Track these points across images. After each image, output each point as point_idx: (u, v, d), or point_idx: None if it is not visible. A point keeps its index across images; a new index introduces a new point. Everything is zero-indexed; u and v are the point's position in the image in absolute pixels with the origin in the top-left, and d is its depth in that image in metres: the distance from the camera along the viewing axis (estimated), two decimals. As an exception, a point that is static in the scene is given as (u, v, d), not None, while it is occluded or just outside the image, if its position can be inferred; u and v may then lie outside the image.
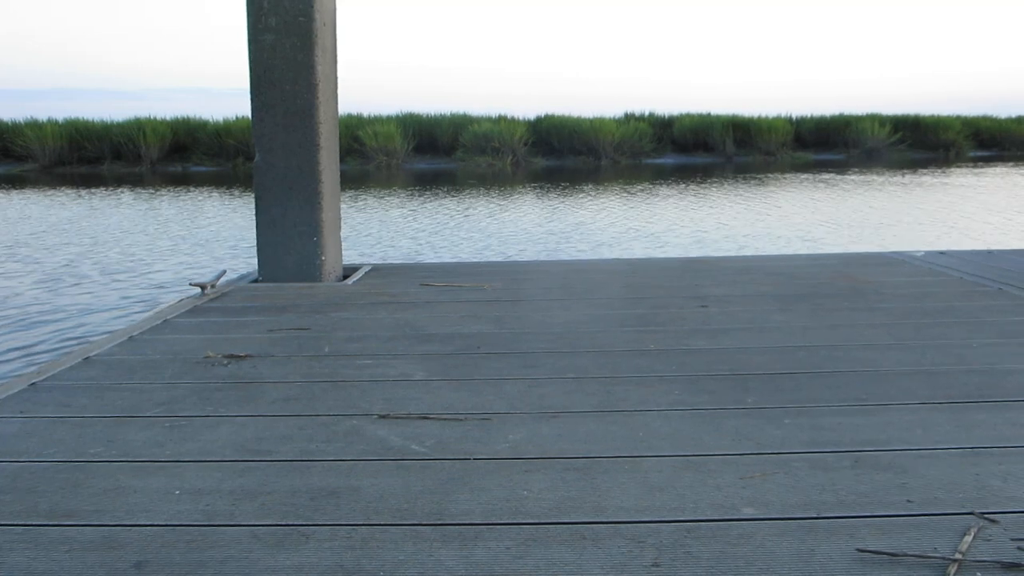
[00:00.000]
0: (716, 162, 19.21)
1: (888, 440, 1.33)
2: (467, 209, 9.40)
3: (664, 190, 12.05)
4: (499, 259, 5.67)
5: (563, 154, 19.72)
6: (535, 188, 12.94)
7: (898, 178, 13.56)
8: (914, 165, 16.99)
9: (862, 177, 13.87)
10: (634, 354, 1.92)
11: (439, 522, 1.07)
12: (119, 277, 5.27)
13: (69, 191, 12.82)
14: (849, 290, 2.67)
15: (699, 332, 2.13)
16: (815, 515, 1.07)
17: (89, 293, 4.73)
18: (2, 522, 1.08)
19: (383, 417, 1.49)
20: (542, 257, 5.85)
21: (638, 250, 6.15)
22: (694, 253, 5.87)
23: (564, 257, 5.81)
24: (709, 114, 20.72)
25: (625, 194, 11.41)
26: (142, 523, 1.08)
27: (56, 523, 1.08)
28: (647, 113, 21.40)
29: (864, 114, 20.92)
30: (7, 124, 19.94)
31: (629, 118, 20.97)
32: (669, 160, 19.67)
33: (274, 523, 1.07)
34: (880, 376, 1.70)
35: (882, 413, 1.47)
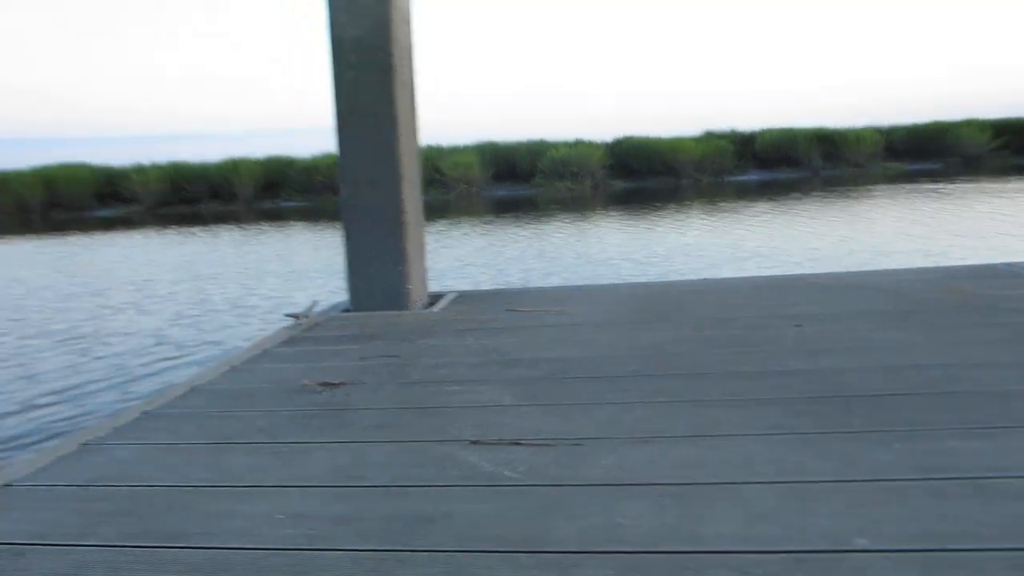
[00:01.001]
0: (803, 177, 18.65)
1: (1015, 466, 1.24)
2: (548, 234, 9.43)
3: (750, 207, 11.76)
4: (583, 283, 5.65)
5: (642, 175, 19.58)
6: (615, 211, 12.87)
7: (1010, 185, 12.80)
8: (1021, 172, 16.01)
9: (970, 185, 13.17)
10: (727, 376, 1.86)
11: (536, 549, 1.06)
12: (221, 309, 5.53)
13: (171, 231, 13.58)
14: (960, 305, 2.52)
15: (796, 352, 2.05)
16: (936, 547, 1.00)
17: (194, 325, 4.98)
18: (121, 543, 1.14)
19: (474, 443, 1.49)
20: (626, 280, 5.80)
21: (727, 270, 6.01)
22: (794, 271, 5.69)
23: (649, 279, 5.74)
24: (792, 127, 20.15)
25: (709, 213, 11.20)
26: (248, 546, 1.11)
27: (169, 545, 1.13)
28: (728, 130, 21.00)
29: (961, 119, 19.89)
30: (116, 169, 21.35)
31: (709, 136, 20.65)
32: (753, 177, 19.23)
33: (372, 548, 1.09)
34: (1000, 397, 1.59)
35: (1005, 437, 1.37)
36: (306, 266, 7.72)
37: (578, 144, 19.86)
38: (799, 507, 1.14)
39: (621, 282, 5.45)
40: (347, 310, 3.17)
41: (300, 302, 5.29)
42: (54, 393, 3.51)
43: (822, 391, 1.70)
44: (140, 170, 20.79)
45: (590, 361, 2.09)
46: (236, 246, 10.17)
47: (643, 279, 5.73)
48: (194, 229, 13.56)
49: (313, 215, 15.78)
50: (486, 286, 5.78)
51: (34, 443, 2.82)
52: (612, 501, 1.20)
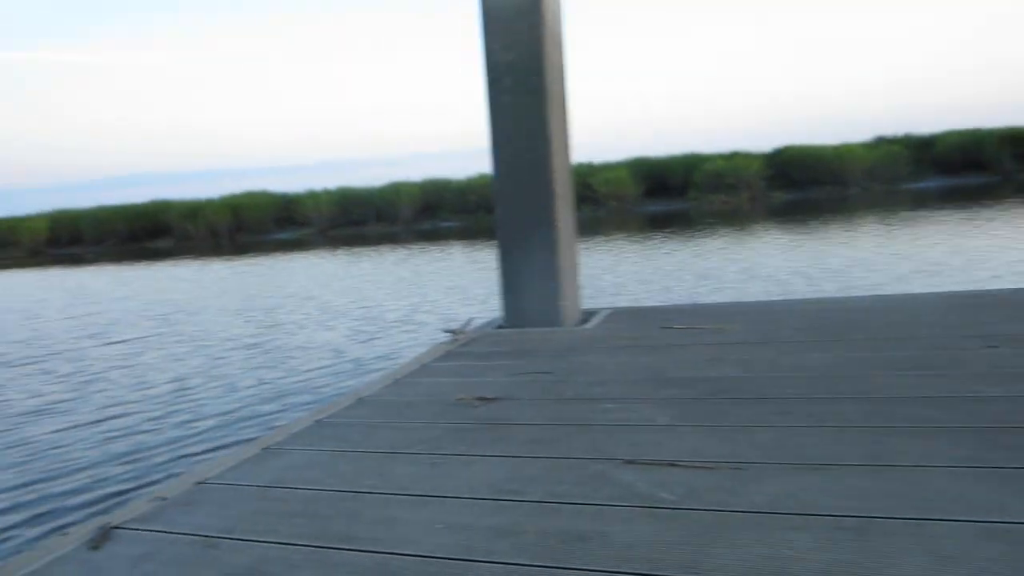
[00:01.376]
0: (991, 182, 16.91)
1: None
2: (705, 249, 9.17)
3: (932, 216, 10.81)
4: (743, 299, 5.43)
5: (805, 186, 18.58)
6: (777, 223, 12.29)
7: None
8: None
9: None
10: (908, 401, 1.71)
11: (694, 575, 1.02)
12: (382, 324, 5.83)
13: (341, 251, 14.53)
14: None
15: (989, 376, 1.85)
16: None
17: (361, 340, 5.29)
18: (297, 542, 1.22)
19: (629, 462, 1.47)
20: (790, 296, 5.50)
21: (908, 285, 5.55)
22: (990, 286, 5.16)
23: (814, 295, 5.42)
24: (978, 128, 18.36)
25: (884, 224, 10.41)
26: (411, 552, 1.15)
27: (339, 547, 1.19)
28: (902, 134, 19.49)
29: None
30: (292, 196, 23.23)
31: (880, 141, 19.26)
32: (931, 184, 17.69)
33: (527, 562, 1.09)
34: None
35: None
36: (463, 283, 7.98)
37: (734, 156, 19.19)
38: (996, 550, 1.02)
39: (785, 298, 5.19)
40: (502, 326, 3.24)
41: (457, 318, 5.47)
42: (252, 400, 3.85)
43: (1022, 421, 1.52)
44: (313, 195, 22.49)
45: (752, 381, 2.00)
46: (399, 264, 10.71)
47: (812, 295, 5.42)
48: (361, 249, 14.42)
49: (468, 234, 16.32)
50: (640, 303, 5.70)
51: (228, 445, 3.10)
52: (777, 531, 1.13)
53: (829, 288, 5.74)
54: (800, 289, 5.81)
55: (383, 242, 16.16)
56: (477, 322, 3.45)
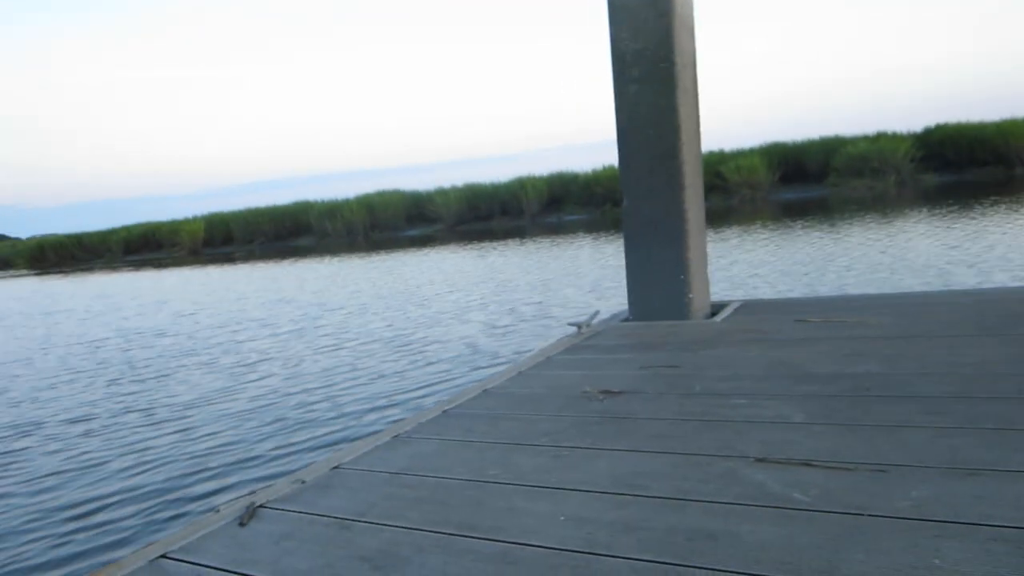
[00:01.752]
0: None
1: None
2: (843, 238, 8.65)
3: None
4: (887, 291, 5.08)
5: (961, 167, 17.11)
6: (928, 208, 11.39)
7: None
8: None
9: None
10: (1081, 402, 1.54)
11: (830, 582, 0.96)
12: (509, 317, 5.92)
13: (471, 247, 14.87)
14: None
15: None
16: None
17: (486, 331, 5.39)
18: (425, 528, 1.26)
19: (760, 460, 1.41)
20: (942, 287, 5.09)
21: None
22: None
23: (970, 286, 4.98)
24: None
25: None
26: (533, 543, 1.16)
27: (463, 534, 1.22)
28: (1078, 107, 17.53)
29: None
30: (422, 194, 23.99)
31: (1052, 116, 17.40)
32: (1116, 161, 15.79)
33: (652, 559, 1.07)
34: None
35: None
36: (588, 277, 7.96)
37: (879, 137, 17.95)
38: None
39: (938, 289, 4.81)
40: (627, 319, 3.20)
41: (583, 311, 5.46)
42: (392, 389, 4.02)
43: None
44: (442, 193, 23.12)
45: (897, 378, 1.87)
46: (526, 258, 10.82)
47: (975, 287, 4.99)
48: (488, 244, 14.69)
49: (594, 227, 16.23)
50: (774, 296, 5.46)
51: (366, 433, 3.25)
52: (924, 539, 1.05)
53: (1000, 279, 5.25)
54: (961, 280, 5.35)
55: (509, 237, 16.37)
56: (603, 315, 3.42)
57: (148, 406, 4.10)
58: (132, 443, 3.39)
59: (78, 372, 5.39)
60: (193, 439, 3.34)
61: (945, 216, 9.92)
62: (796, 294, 5.45)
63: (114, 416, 3.94)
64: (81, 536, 2.42)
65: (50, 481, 2.99)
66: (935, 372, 1.88)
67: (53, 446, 3.46)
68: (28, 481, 3.02)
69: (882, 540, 1.06)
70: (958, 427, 1.47)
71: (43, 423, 3.94)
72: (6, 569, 2.24)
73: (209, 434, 3.39)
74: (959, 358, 1.98)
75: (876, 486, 1.24)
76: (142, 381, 4.84)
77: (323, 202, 25.11)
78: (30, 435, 3.71)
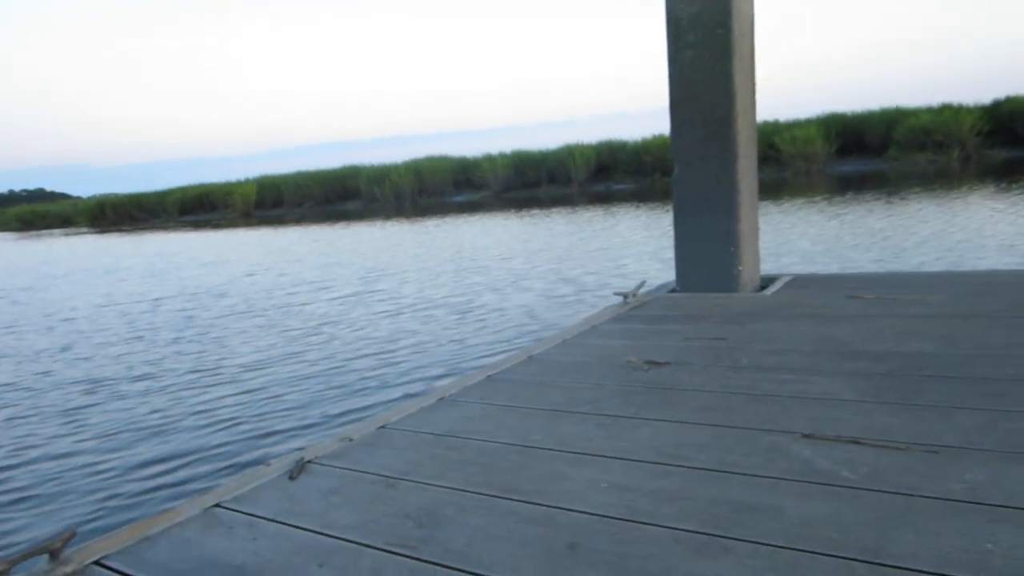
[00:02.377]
0: None
1: None
2: (902, 214, 8.38)
3: None
4: (945, 268, 4.92)
5: (1031, 143, 16.34)
6: (995, 184, 10.94)
7: None
8: None
9: None
10: None
11: (876, 561, 0.95)
12: (569, 286, 5.91)
13: (519, 214, 14.84)
14: None
15: None
16: None
17: (534, 298, 5.40)
18: (468, 489, 1.28)
19: (807, 436, 1.39)
20: (1006, 267, 4.91)
21: None
22: None
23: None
24: None
25: None
26: (575, 508, 1.17)
27: (506, 497, 1.24)
28: None
29: None
30: (469, 160, 23.95)
31: None
32: None
33: (693, 529, 1.07)
34: None
35: None
36: (633, 248, 7.88)
37: (943, 109, 17.23)
38: None
39: (1003, 268, 4.63)
40: (674, 290, 3.16)
41: (629, 281, 5.42)
42: (440, 355, 4.08)
43: None
44: (490, 159, 23.04)
45: (953, 358, 1.81)
46: (579, 227, 10.76)
47: (1010, 267, 4.80)
48: (536, 211, 14.63)
49: (642, 197, 16.03)
50: (826, 271, 5.33)
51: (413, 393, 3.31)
52: (977, 522, 1.03)
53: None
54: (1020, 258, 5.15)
55: (556, 205, 16.28)
56: (650, 286, 3.39)
57: (213, 366, 4.22)
58: (194, 401, 3.51)
59: (143, 330, 5.57)
60: (254, 399, 3.43)
61: (1012, 193, 9.51)
62: (850, 271, 5.31)
63: (179, 375, 4.07)
64: (139, 487, 2.53)
65: (115, 436, 3.12)
66: (994, 353, 1.82)
67: (117, 403, 3.59)
68: (95, 438, 3.16)
69: (933, 522, 1.04)
70: (1016, 410, 1.43)
71: (107, 380, 4.09)
72: (72, 517, 2.36)
73: (272, 396, 3.47)
74: (1021, 339, 1.91)
75: (928, 467, 1.21)
76: (202, 341, 4.98)
77: (372, 167, 25.29)
78: (95, 392, 3.86)
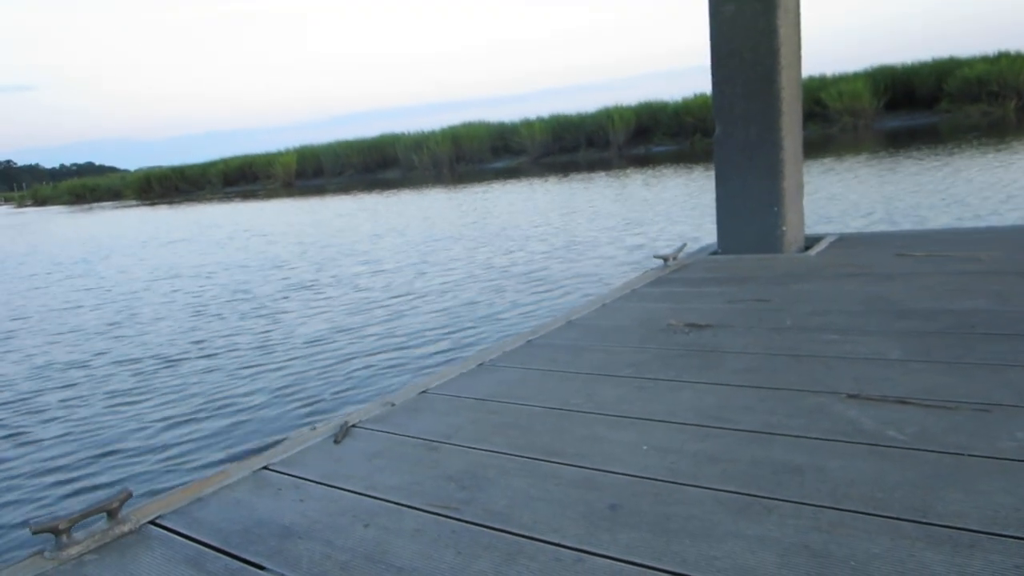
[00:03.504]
0: None
1: None
2: (954, 168, 8.09)
3: None
4: (998, 223, 4.75)
5: (1095, 91, 15.58)
6: (1052, 137, 10.47)
7: None
8: None
9: None
10: None
11: (923, 520, 0.94)
12: (596, 248, 5.87)
13: (557, 178, 14.72)
14: None
15: None
16: None
17: (575, 261, 5.38)
18: (509, 451, 1.29)
19: (852, 397, 1.37)
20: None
21: None
22: None
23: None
24: None
25: None
26: (616, 470, 1.17)
27: (547, 459, 1.25)
28: None
29: None
30: (507, 126, 23.76)
31: None
32: None
33: (736, 490, 1.07)
34: None
35: None
36: (674, 210, 7.77)
37: (1001, 57, 16.47)
38: None
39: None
40: (716, 252, 3.12)
41: (670, 244, 5.35)
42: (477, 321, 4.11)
43: None
44: (527, 124, 22.82)
45: (1006, 316, 1.76)
46: (611, 190, 10.65)
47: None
48: (577, 176, 14.48)
49: (683, 158, 15.75)
50: (874, 229, 5.19)
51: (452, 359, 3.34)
52: (1031, 481, 1.00)
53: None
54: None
55: (595, 169, 16.10)
56: (690, 248, 3.35)
57: (284, 337, 4.29)
58: (276, 369, 3.59)
59: (212, 300, 5.68)
60: (335, 369, 3.46)
61: (1072, 144, 9.10)
62: (897, 227, 5.17)
63: (254, 347, 4.16)
64: (205, 448, 2.62)
65: (189, 400, 3.22)
66: (1051, 310, 1.76)
67: (199, 374, 3.68)
68: (159, 405, 3.27)
69: (982, 480, 1.01)
70: (1074, 368, 1.38)
71: (185, 353, 4.19)
72: (135, 476, 2.46)
73: (350, 373, 3.51)
74: (1080, 296, 1.84)
75: (978, 425, 1.18)
76: (275, 314, 5.07)
77: (409, 134, 25.29)
78: (175, 366, 3.96)
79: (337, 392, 3.10)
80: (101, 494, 2.24)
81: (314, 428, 1.53)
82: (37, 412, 3.28)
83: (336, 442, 1.42)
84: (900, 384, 1.40)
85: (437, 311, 4.39)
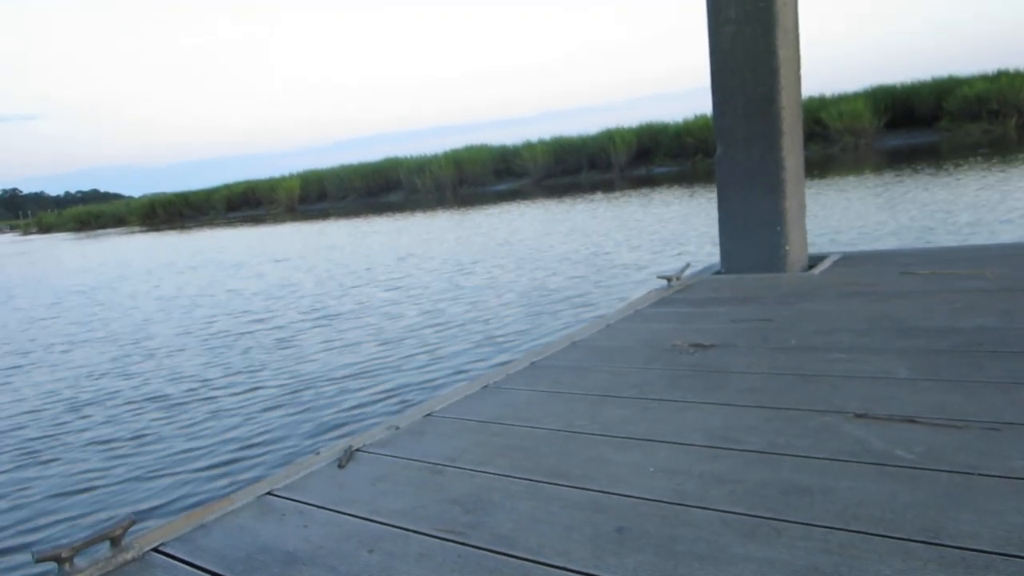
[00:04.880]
0: None
1: None
2: (956, 186, 8.10)
3: None
4: (1006, 241, 4.74)
5: (1097, 107, 15.63)
6: (1052, 154, 10.49)
7: None
8: None
9: None
10: None
11: (934, 541, 0.92)
12: (599, 269, 5.88)
13: (561, 199, 14.76)
14: None
15: None
16: None
17: (577, 281, 5.38)
18: (514, 474, 1.28)
19: (860, 416, 1.36)
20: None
21: None
22: None
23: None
24: None
25: None
26: (622, 493, 1.16)
27: (552, 482, 1.24)
28: None
29: None
30: (509, 148, 23.90)
31: None
32: None
33: (744, 512, 1.05)
34: None
35: None
36: (677, 230, 7.79)
37: (1000, 76, 16.56)
38: None
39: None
40: (719, 272, 3.11)
41: (672, 264, 5.36)
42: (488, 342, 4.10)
43: None
44: (529, 146, 22.96)
45: (1014, 333, 1.75)
46: (613, 212, 10.68)
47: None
48: (580, 198, 14.52)
49: (684, 179, 15.80)
50: (877, 248, 5.19)
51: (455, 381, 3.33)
52: (1043, 501, 0.99)
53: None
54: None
55: (597, 190, 16.15)
56: (694, 268, 3.35)
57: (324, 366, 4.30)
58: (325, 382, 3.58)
59: (245, 328, 5.69)
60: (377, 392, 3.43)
61: (1074, 161, 9.11)
62: (901, 246, 5.16)
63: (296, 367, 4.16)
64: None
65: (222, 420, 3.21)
66: (1058, 327, 1.75)
67: (235, 398, 3.67)
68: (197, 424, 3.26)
69: (994, 501, 1.00)
70: (1083, 385, 1.37)
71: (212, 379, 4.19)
72: (177, 485, 2.46)
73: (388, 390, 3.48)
74: (1086, 312, 1.83)
75: (988, 444, 1.17)
76: (303, 345, 5.08)
77: (412, 158, 25.45)
78: (199, 390, 3.95)
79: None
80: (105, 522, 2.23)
81: (318, 452, 1.52)
82: (57, 434, 3.28)
83: (340, 466, 1.42)
84: (908, 403, 1.39)
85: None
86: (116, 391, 3.94)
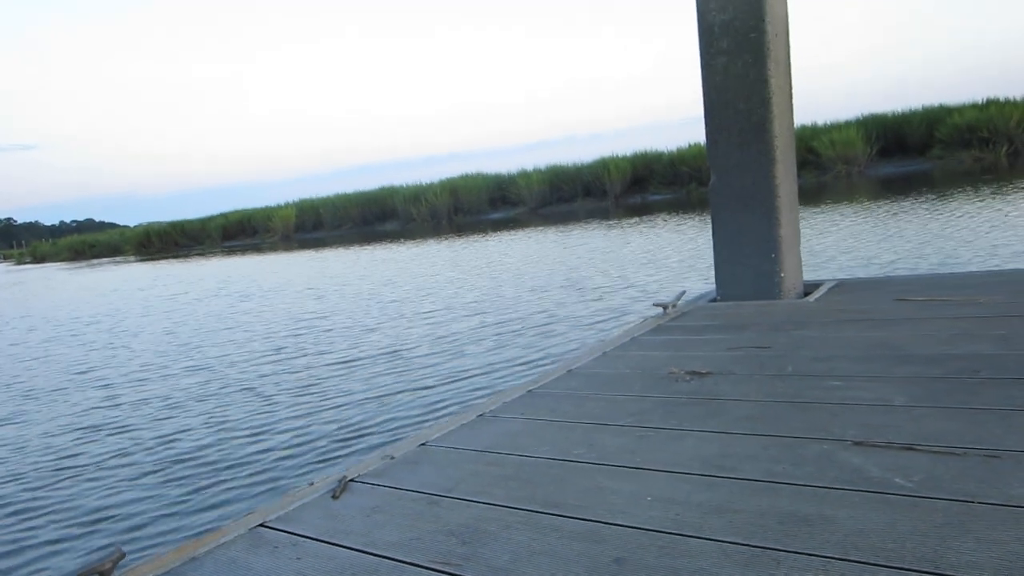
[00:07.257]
0: None
1: None
2: (949, 214, 8.16)
3: None
4: (999, 267, 4.76)
5: (1083, 136, 15.80)
6: (1042, 181, 10.59)
7: None
8: None
9: None
10: None
11: (935, 571, 0.91)
12: (593, 297, 5.88)
13: (550, 228, 14.81)
14: None
15: None
16: None
17: (573, 310, 5.38)
18: (511, 504, 1.27)
19: (858, 444, 1.35)
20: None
21: None
22: None
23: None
24: None
25: None
26: (619, 523, 1.15)
27: (548, 512, 1.22)
28: None
29: None
30: (504, 177, 24.02)
31: None
32: None
33: (743, 542, 1.04)
34: None
35: None
36: (671, 258, 7.81)
37: (990, 104, 16.77)
38: None
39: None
40: (715, 299, 3.12)
41: (668, 292, 5.36)
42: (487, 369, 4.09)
43: None
44: (524, 175, 23.08)
45: (1011, 360, 1.75)
46: (610, 239, 10.72)
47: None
48: (575, 226, 14.57)
49: (679, 207, 15.89)
50: (868, 274, 5.20)
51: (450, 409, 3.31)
52: (1044, 529, 0.98)
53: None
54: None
55: (591, 217, 16.22)
56: (690, 295, 3.35)
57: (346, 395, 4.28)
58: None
59: (274, 351, 5.66)
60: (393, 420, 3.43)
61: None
62: (896, 272, 5.18)
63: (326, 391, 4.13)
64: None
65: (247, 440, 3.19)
66: (1054, 353, 1.75)
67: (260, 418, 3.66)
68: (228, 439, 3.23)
69: (994, 529, 0.99)
70: (1081, 412, 1.37)
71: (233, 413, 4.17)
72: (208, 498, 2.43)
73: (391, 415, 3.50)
74: (1082, 338, 1.84)
75: (987, 472, 1.16)
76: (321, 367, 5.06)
77: (407, 187, 25.53)
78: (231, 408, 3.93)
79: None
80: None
81: (312, 483, 1.50)
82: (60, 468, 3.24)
83: (334, 497, 1.40)
84: (906, 430, 1.38)
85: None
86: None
